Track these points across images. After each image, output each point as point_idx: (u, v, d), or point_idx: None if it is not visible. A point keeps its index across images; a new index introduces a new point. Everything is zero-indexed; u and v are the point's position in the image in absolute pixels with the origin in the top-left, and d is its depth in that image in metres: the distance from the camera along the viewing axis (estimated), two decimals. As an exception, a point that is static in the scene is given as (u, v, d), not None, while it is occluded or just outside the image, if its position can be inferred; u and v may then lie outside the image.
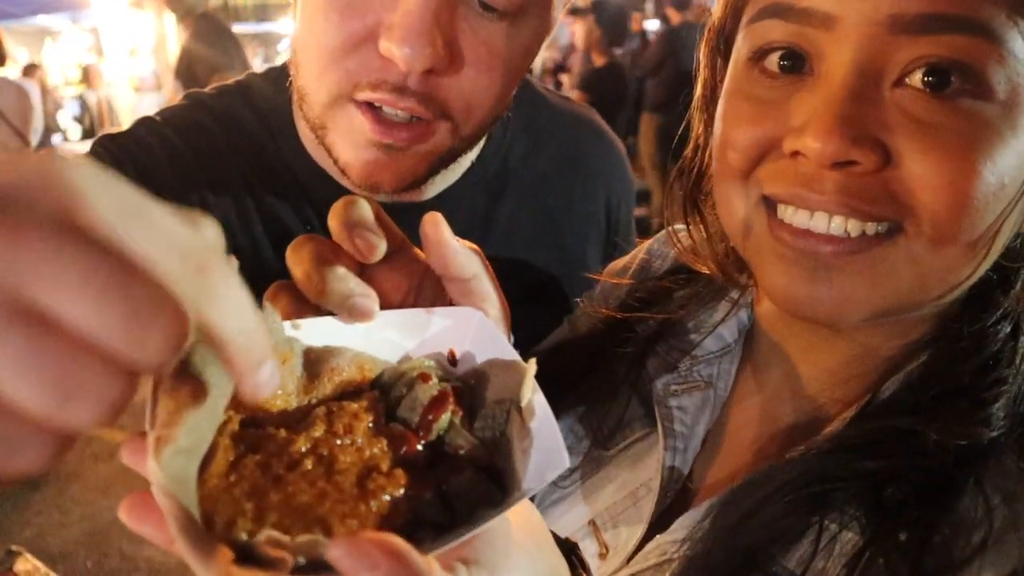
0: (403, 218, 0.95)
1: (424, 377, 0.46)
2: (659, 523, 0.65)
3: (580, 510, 0.74)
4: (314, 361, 0.46)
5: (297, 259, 0.46)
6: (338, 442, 0.42)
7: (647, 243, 0.89)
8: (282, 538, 0.35)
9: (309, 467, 0.40)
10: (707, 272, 0.73)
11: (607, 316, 0.81)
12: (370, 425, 0.44)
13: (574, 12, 7.42)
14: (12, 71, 4.87)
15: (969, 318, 0.56)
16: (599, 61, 6.55)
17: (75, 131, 8.68)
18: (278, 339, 0.44)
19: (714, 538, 0.58)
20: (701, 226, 0.71)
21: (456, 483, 0.42)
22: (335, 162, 0.82)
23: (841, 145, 0.50)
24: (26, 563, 3.27)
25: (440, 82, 0.76)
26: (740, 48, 0.59)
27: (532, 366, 0.45)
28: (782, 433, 0.64)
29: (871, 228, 0.53)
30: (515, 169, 1.03)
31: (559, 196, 1.07)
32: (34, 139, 4.71)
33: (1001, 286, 0.57)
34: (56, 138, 8.01)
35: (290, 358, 0.44)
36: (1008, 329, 0.56)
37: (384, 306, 0.48)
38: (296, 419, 0.44)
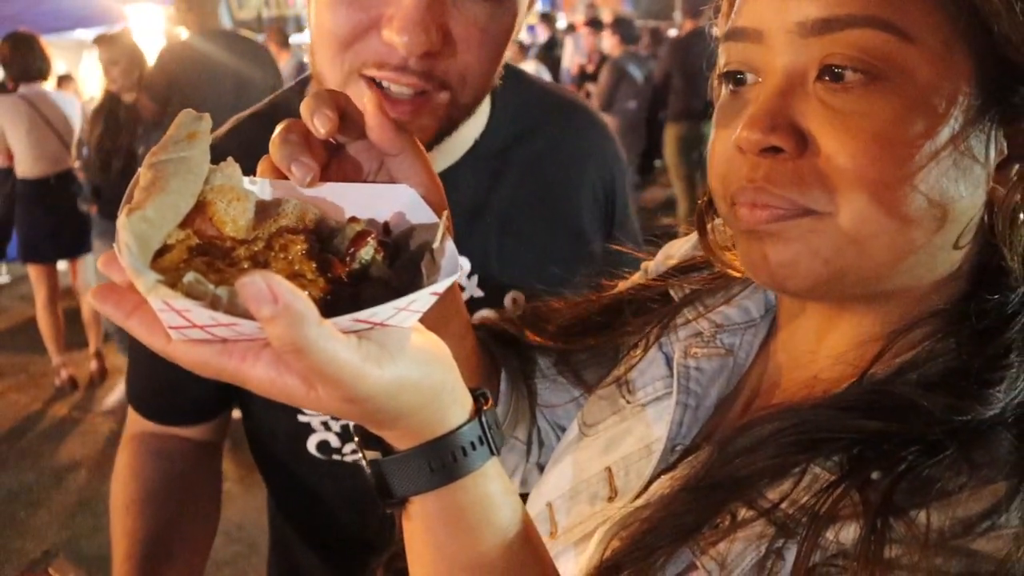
0: None
1: (353, 220, 0.57)
2: (666, 473, 0.70)
3: (600, 457, 0.79)
4: (263, 209, 0.56)
5: (275, 132, 0.59)
6: (272, 254, 0.51)
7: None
8: (204, 281, 0.45)
9: (245, 266, 0.50)
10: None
11: (649, 281, 0.89)
12: (303, 252, 0.52)
13: (593, 25, 7.61)
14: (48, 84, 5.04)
15: (977, 298, 0.60)
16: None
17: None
18: (236, 186, 0.54)
19: (708, 469, 0.63)
20: (707, 238, 0.79)
21: (367, 291, 0.52)
22: None
23: (761, 133, 0.58)
24: (61, 566, 3.35)
25: (437, 61, 0.87)
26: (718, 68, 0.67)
27: (446, 216, 0.56)
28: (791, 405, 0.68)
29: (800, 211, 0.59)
30: (512, 149, 1.15)
31: (556, 171, 1.18)
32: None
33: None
34: (87, 150, 8.14)
35: (244, 200, 0.55)
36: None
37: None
38: (243, 244, 0.53)
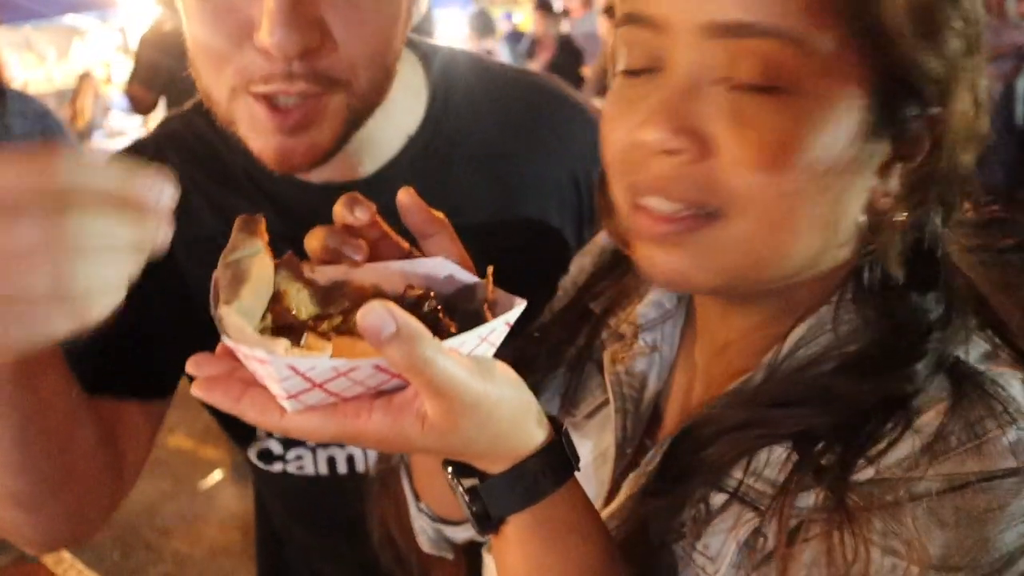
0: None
1: (411, 288, 0.62)
2: (624, 478, 0.73)
3: None
4: (324, 293, 0.61)
5: (310, 237, 0.63)
6: (353, 324, 0.54)
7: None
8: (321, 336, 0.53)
9: (331, 337, 0.56)
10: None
11: (573, 294, 0.90)
12: None
13: (543, 8, 6.90)
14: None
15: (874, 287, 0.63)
16: None
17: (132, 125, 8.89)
18: (299, 275, 0.60)
19: (663, 469, 0.67)
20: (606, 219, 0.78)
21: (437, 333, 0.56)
22: (251, 151, 0.87)
23: (665, 135, 0.58)
24: (55, 553, 3.36)
25: (319, 59, 0.80)
26: (613, 52, 0.66)
27: (490, 271, 0.62)
28: (718, 389, 0.70)
29: (698, 212, 0.60)
30: (460, 141, 1.03)
31: (512, 164, 1.05)
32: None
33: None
34: (98, 134, 8.17)
35: (310, 287, 0.60)
36: (932, 300, 0.62)
37: None
38: (322, 320, 0.59)
